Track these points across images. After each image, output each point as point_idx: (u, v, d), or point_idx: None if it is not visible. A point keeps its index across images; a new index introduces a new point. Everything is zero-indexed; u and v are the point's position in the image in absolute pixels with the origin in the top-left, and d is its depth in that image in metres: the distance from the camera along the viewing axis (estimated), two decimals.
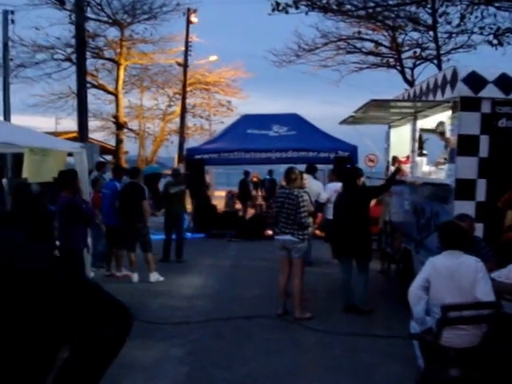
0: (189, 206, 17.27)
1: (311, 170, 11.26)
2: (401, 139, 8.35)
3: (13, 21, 12.83)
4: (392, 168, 8.30)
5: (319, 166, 14.34)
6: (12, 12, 12.73)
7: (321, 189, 10.71)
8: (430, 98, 6.43)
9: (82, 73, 13.97)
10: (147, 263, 9.18)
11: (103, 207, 9.72)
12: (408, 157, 7.81)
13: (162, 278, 9.21)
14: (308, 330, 6.34)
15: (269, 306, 7.24)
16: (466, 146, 5.59)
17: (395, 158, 8.31)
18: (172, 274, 9.75)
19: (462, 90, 5.60)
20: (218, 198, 23.32)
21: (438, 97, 6.15)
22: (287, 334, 6.18)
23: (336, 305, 7.44)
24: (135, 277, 9.16)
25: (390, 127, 8.86)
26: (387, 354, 5.51)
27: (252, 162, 15.59)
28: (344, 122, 8.34)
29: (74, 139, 14.79)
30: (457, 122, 5.64)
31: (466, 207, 5.44)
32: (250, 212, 19.49)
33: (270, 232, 15.61)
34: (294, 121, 16.61)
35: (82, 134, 13.93)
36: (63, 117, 38.12)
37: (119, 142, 28.53)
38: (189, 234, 15.41)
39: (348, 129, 9.19)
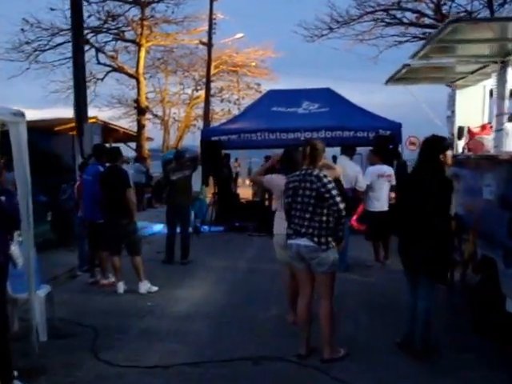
0: (209, 196, 15.42)
1: (348, 151, 9.05)
2: (471, 104, 6.07)
3: None
4: (460, 143, 6.05)
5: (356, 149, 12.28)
6: None
7: (359, 173, 8.52)
8: None
9: (77, 40, 11.98)
10: (135, 269, 7.18)
11: (84, 197, 7.79)
12: (484, 126, 5.54)
13: (154, 288, 7.21)
14: None
15: (288, 339, 5.11)
16: None
17: (462, 129, 6.04)
18: (169, 282, 7.74)
19: None
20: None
21: None
22: None
23: (383, 333, 5.29)
24: (120, 287, 7.18)
25: (453, 89, 6.54)
26: None
27: (277, 145, 13.40)
28: (392, 79, 6.09)
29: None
30: None
31: None
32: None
33: None
34: (326, 96, 14.33)
35: (80, 111, 11.98)
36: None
37: (141, 127, 26.77)
38: (205, 227, 13.52)
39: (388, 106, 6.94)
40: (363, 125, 12.88)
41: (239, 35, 28.41)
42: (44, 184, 11.06)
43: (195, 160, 9.85)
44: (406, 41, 23.32)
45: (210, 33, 24.98)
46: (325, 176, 4.53)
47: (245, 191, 19.81)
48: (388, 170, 8.84)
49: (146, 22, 26.20)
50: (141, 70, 26.91)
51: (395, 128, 12.93)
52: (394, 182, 8.92)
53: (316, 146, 4.70)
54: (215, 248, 10.92)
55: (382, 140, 11.74)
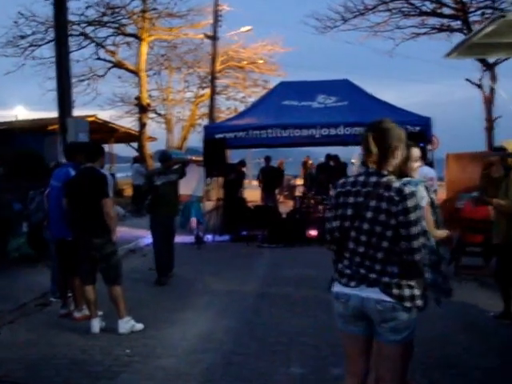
0: (210, 203, 13.92)
1: None
2: None
3: None
4: None
5: None
6: None
7: None
8: None
9: (61, 25, 10.44)
10: (114, 303, 5.56)
11: (50, 208, 6.19)
12: None
13: (138, 327, 5.57)
14: None
15: None
16: None
17: None
18: (159, 315, 6.13)
19: None
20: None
21: None
22: None
23: None
24: (95, 325, 5.54)
25: None
26: None
27: (289, 143, 11.84)
28: (466, 42, 4.47)
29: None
30: None
31: None
32: (287, 205, 15.77)
33: (313, 232, 11.97)
34: (344, 88, 12.78)
35: (64, 105, 10.45)
36: (87, 102, 35.50)
37: (142, 126, 25.28)
38: (209, 237, 12.06)
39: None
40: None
41: (246, 28, 26.76)
42: (18, 190, 9.53)
43: (183, 164, 8.24)
44: (424, 33, 21.94)
45: (215, 25, 23.52)
46: (411, 194, 2.73)
47: (252, 194, 18.18)
48: (429, 172, 7.23)
49: (147, 15, 24.73)
50: (142, 66, 25.49)
51: (424, 123, 11.33)
52: (436, 187, 7.36)
53: (390, 131, 2.84)
54: (219, 264, 9.30)
55: (414, 137, 10.11)
